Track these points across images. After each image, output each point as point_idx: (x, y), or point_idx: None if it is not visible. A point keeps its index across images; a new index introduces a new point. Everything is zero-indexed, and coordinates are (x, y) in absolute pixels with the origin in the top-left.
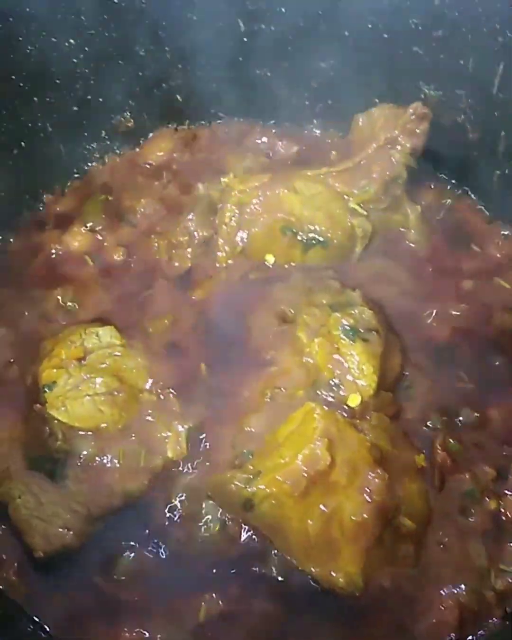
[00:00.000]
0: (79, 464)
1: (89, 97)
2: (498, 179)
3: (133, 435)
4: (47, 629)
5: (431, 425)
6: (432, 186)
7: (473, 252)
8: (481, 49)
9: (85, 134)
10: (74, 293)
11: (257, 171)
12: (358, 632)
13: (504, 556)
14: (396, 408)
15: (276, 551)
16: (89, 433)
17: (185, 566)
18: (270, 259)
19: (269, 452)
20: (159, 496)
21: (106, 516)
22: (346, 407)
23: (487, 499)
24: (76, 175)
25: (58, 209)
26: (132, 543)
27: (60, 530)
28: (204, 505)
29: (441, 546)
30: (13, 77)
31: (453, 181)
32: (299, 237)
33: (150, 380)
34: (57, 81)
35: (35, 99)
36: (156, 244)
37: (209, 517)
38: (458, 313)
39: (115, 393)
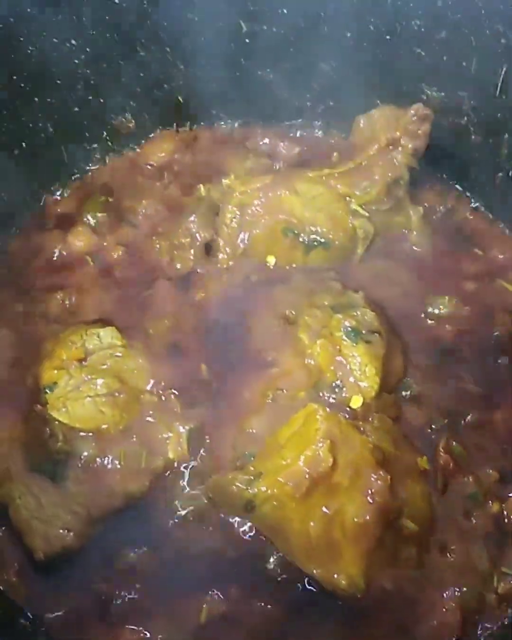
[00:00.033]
0: (79, 465)
1: (90, 97)
2: (500, 180)
3: (134, 436)
4: (48, 630)
5: (433, 428)
6: (434, 188)
7: (475, 254)
8: (484, 50)
9: (86, 134)
10: (75, 294)
11: (258, 172)
12: (359, 633)
13: (506, 559)
14: (398, 410)
15: (277, 552)
16: (90, 434)
17: (186, 567)
18: (271, 260)
19: (271, 454)
20: (159, 497)
21: (107, 517)
22: (347, 409)
23: (490, 502)
24: (77, 176)
25: (59, 209)
26: (132, 544)
27: (61, 531)
28: (205, 507)
29: (443, 548)
30: (14, 77)
31: (455, 183)
32: (300, 239)
33: (151, 381)
34: (58, 82)
35: (36, 99)
36: (157, 245)
37: (210, 518)
38: (461, 314)
39: (116, 394)
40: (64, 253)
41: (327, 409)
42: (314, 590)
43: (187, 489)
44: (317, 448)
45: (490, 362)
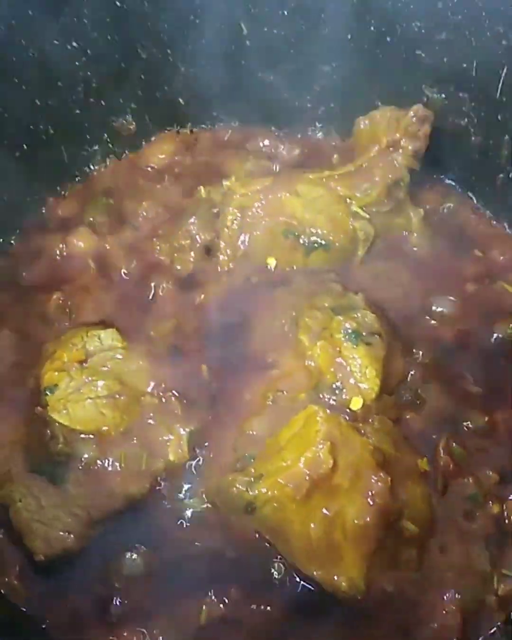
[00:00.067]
0: (80, 467)
1: (91, 99)
2: (501, 182)
3: (134, 438)
4: (48, 632)
5: (433, 429)
6: (435, 189)
7: (476, 256)
8: (484, 52)
9: (87, 136)
10: (76, 295)
11: (259, 174)
12: (360, 635)
13: (507, 560)
14: (398, 412)
15: (277, 554)
16: (91, 436)
17: (186, 569)
18: (272, 262)
19: (271, 455)
20: (160, 499)
21: (107, 519)
22: (348, 411)
23: (490, 503)
24: (78, 178)
25: (60, 211)
26: (133, 546)
27: (61, 533)
28: (205, 509)
29: (444, 550)
30: (15, 79)
31: (456, 184)
32: (301, 241)
33: (152, 383)
34: (59, 83)
35: (37, 101)
36: (158, 247)
37: (211, 520)
38: (461, 316)
39: (117, 396)
40: (65, 255)
41: (328, 411)
42: (315, 591)
43: (188, 490)
44: (317, 450)
45: (490, 364)
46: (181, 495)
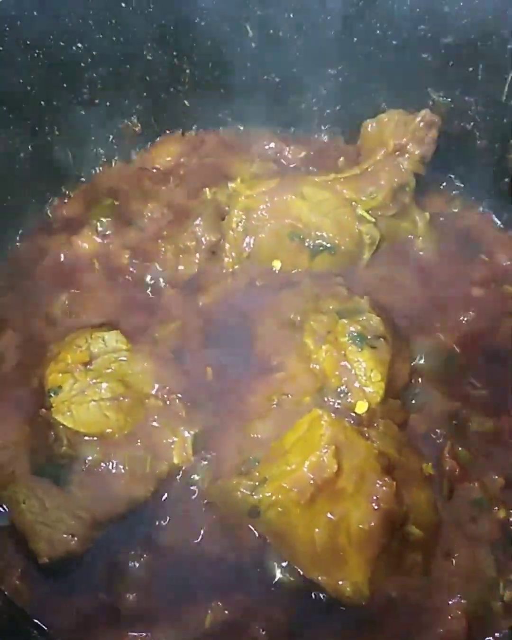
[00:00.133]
0: (83, 469)
1: (97, 101)
2: (507, 186)
3: (139, 440)
4: (52, 635)
5: (439, 433)
6: (441, 193)
7: (482, 260)
8: (490, 55)
9: (93, 138)
10: (81, 297)
11: (264, 176)
12: None
13: None
14: (403, 415)
15: (282, 559)
16: (94, 438)
17: (190, 573)
18: (277, 264)
19: (276, 459)
20: (164, 502)
21: (111, 522)
22: (353, 414)
23: (496, 508)
24: (83, 180)
25: (65, 213)
26: (137, 549)
27: (65, 535)
28: (210, 512)
29: (449, 555)
30: (20, 80)
31: (462, 188)
32: (306, 243)
33: (156, 386)
34: (65, 85)
35: (42, 102)
36: (163, 249)
37: (215, 523)
38: (467, 320)
39: (121, 398)
40: (70, 256)
41: (332, 415)
42: (319, 597)
43: (192, 494)
44: (322, 454)
45: (496, 368)
46: (185, 499)
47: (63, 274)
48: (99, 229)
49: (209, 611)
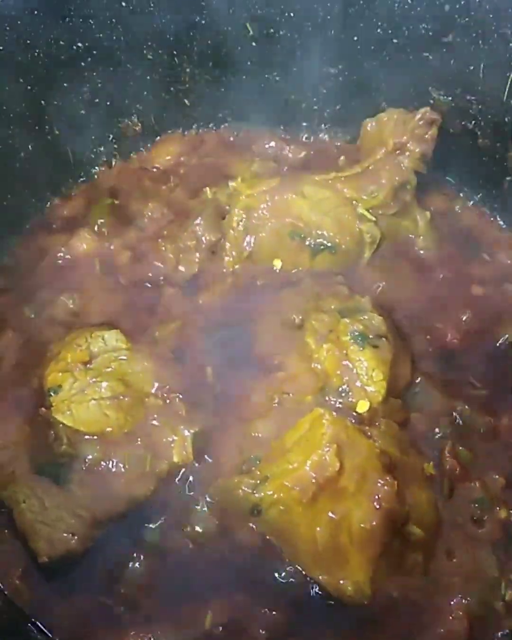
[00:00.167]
0: (83, 468)
1: (97, 100)
2: (508, 185)
3: (139, 439)
4: (52, 635)
5: (440, 433)
6: (442, 192)
7: (483, 259)
8: (491, 54)
9: (93, 137)
10: (80, 296)
11: (265, 176)
12: None
13: None
14: (405, 415)
15: (283, 558)
16: (94, 437)
17: (191, 572)
18: (277, 264)
19: (277, 458)
20: (164, 501)
21: (111, 521)
22: (354, 414)
23: (497, 508)
24: (83, 179)
25: (65, 212)
26: (137, 548)
27: (65, 535)
28: (210, 511)
29: (450, 555)
30: (21, 79)
31: (463, 187)
32: (307, 242)
33: (156, 385)
34: (65, 84)
35: (43, 101)
36: (163, 248)
37: (216, 522)
38: (468, 319)
39: (121, 397)
40: (70, 256)
41: (334, 414)
42: (320, 596)
43: (193, 492)
44: (323, 452)
45: (498, 367)
46: (186, 498)
47: (63, 274)
48: (99, 228)
49: (210, 611)
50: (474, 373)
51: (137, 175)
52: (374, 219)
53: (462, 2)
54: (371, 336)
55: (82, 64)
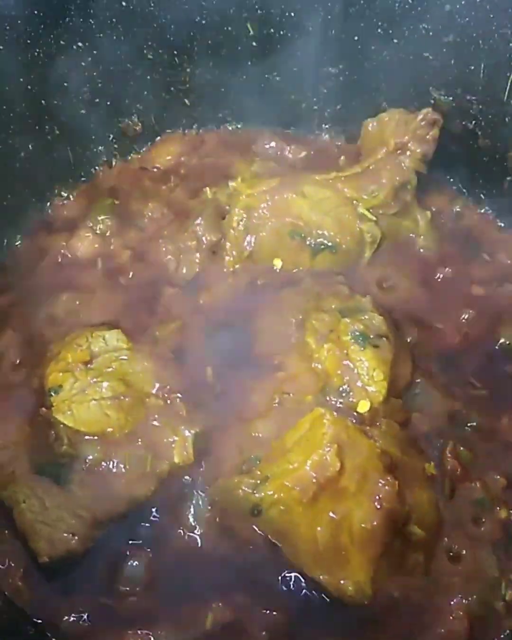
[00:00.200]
0: (84, 468)
1: (97, 100)
2: (509, 185)
3: (139, 440)
4: (52, 634)
5: (440, 433)
6: (443, 192)
7: (483, 259)
8: (492, 54)
9: (93, 137)
10: (81, 296)
11: (265, 175)
12: None
13: None
14: (405, 415)
15: (283, 558)
16: (95, 437)
17: (192, 573)
18: (278, 263)
19: (277, 458)
20: (165, 501)
21: (111, 521)
22: (355, 414)
23: (497, 508)
24: (83, 179)
25: (65, 212)
26: (137, 548)
27: (65, 535)
28: (211, 511)
29: (451, 555)
30: (21, 79)
31: (463, 187)
32: (307, 242)
33: (157, 385)
34: (65, 84)
35: (43, 101)
36: (163, 248)
37: (216, 522)
38: (469, 319)
39: (122, 397)
40: (70, 256)
41: (335, 414)
42: (321, 596)
43: (193, 493)
44: (324, 452)
45: (498, 367)
46: (186, 498)
47: (63, 274)
48: (100, 228)
49: (210, 611)
50: (475, 373)
51: (137, 175)
52: (374, 218)
53: (462, 2)
54: (371, 336)
55: (83, 63)
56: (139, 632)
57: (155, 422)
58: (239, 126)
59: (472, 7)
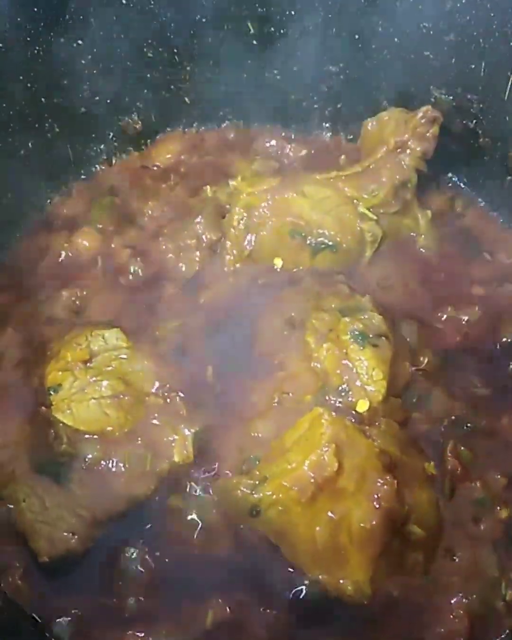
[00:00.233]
0: (83, 467)
1: (97, 98)
2: (509, 184)
3: (139, 438)
4: (52, 634)
5: (440, 432)
6: (443, 191)
7: (484, 258)
8: (492, 53)
9: (93, 135)
10: (81, 295)
11: (265, 174)
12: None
13: None
14: (404, 414)
15: (283, 557)
16: (95, 436)
17: (191, 572)
18: (278, 262)
19: (276, 458)
20: (165, 501)
21: (111, 520)
22: (354, 413)
23: (498, 508)
24: (83, 177)
25: (65, 210)
26: (137, 547)
27: (65, 534)
28: (210, 511)
29: (451, 555)
30: (21, 77)
31: (464, 186)
32: (307, 241)
33: (156, 384)
34: (65, 82)
35: (43, 99)
36: (163, 247)
37: (216, 522)
38: (469, 319)
39: (121, 396)
40: (70, 254)
41: (333, 413)
42: (320, 595)
43: (193, 492)
44: (322, 452)
45: (498, 366)
46: (186, 497)
47: (63, 273)
48: (100, 227)
49: (210, 610)
50: (475, 372)
51: (137, 174)
52: (375, 217)
53: (463, 1)
54: (371, 335)
55: (83, 61)
56: (138, 631)
57: (155, 421)
58: (239, 125)
59: (472, 6)
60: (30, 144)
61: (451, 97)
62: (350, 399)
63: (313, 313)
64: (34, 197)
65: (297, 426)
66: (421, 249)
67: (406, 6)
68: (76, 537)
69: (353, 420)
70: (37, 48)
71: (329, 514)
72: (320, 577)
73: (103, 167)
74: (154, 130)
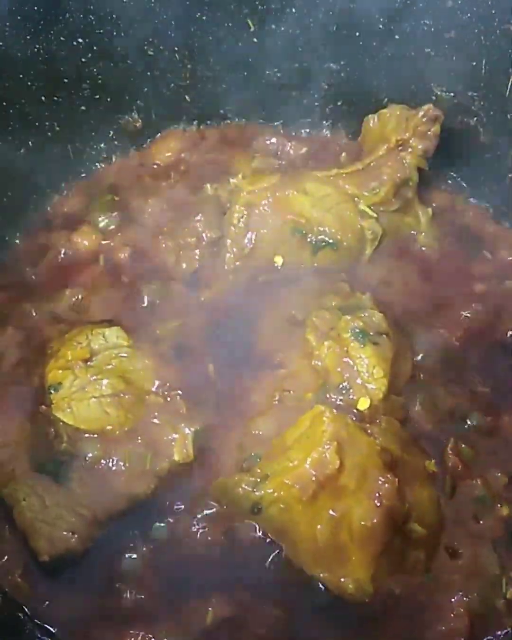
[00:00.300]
0: (84, 466)
1: (97, 96)
2: (510, 182)
3: (139, 437)
4: (53, 633)
5: (441, 430)
6: (444, 189)
7: (484, 256)
8: (494, 50)
9: (93, 133)
10: (81, 294)
11: (266, 172)
12: (367, 638)
13: None
14: (405, 412)
15: (284, 556)
16: (95, 435)
17: (191, 570)
18: (279, 260)
19: (277, 456)
20: (165, 499)
21: (111, 519)
22: (355, 411)
23: (499, 506)
24: (83, 175)
25: (65, 209)
26: (137, 546)
27: (65, 533)
28: (211, 509)
29: (452, 553)
30: (21, 75)
31: (464, 184)
32: (308, 239)
33: (157, 382)
34: (65, 80)
35: (43, 98)
36: (164, 245)
37: (216, 520)
38: (469, 316)
39: (122, 395)
40: (70, 252)
41: (334, 411)
42: (321, 593)
43: (193, 491)
44: (324, 450)
45: (499, 364)
46: (186, 496)
47: (63, 271)
48: (100, 225)
49: (210, 609)
50: (476, 370)
51: (137, 172)
52: (375, 215)
53: None
54: (371, 333)
55: (83, 59)
56: (139, 630)
57: (155, 420)
58: (239, 122)
59: (473, 3)
60: (30, 142)
61: (452, 95)
62: (351, 396)
63: (314, 311)
64: (34, 195)
65: (298, 424)
66: (422, 247)
67: (406, 3)
68: (76, 536)
69: (354, 418)
70: (37, 46)
71: (330, 511)
72: (321, 575)
73: (103, 166)
74: (155, 128)
